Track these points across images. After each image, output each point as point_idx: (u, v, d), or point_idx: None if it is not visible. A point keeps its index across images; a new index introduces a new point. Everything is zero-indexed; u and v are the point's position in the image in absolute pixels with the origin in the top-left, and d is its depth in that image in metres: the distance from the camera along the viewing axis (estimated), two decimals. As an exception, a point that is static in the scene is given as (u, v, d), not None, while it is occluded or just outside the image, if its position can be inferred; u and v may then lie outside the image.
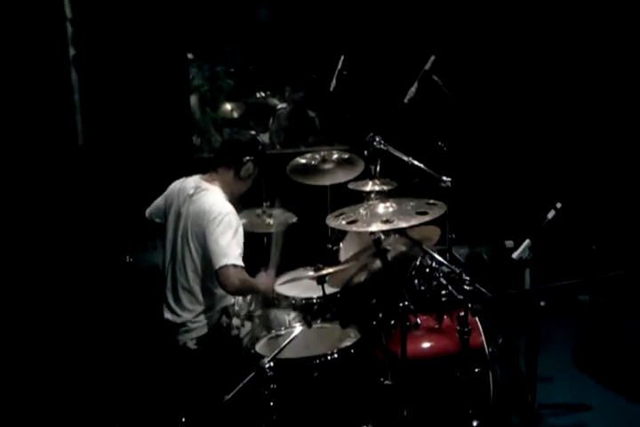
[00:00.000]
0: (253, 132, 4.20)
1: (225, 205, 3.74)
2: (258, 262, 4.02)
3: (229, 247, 3.63)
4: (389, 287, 3.76)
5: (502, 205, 5.43)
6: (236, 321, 3.89)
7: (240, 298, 3.99)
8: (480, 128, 5.44)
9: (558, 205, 3.65)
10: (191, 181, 3.90)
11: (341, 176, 4.65)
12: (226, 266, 3.61)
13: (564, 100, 5.74)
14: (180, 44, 5.46)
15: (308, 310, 3.93)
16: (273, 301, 4.05)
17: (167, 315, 3.84)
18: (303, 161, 4.72)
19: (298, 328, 3.52)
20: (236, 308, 3.95)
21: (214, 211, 3.69)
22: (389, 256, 3.46)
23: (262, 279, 3.89)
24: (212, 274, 3.68)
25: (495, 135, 5.56)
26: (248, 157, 3.84)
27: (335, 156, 4.70)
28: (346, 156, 4.68)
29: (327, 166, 4.69)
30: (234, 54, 6.34)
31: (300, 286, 3.93)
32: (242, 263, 3.66)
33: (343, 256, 4.33)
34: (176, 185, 3.96)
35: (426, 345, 3.71)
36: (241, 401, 3.23)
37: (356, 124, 4.78)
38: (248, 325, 3.89)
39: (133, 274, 4.83)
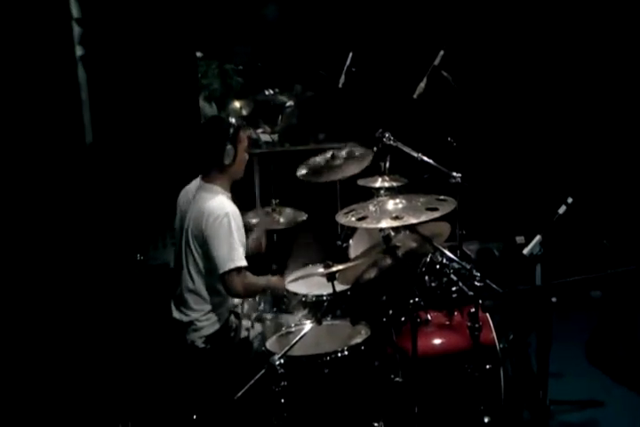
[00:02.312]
0: (214, 115, 4.04)
1: (223, 205, 3.70)
2: (267, 259, 4.03)
3: (231, 250, 3.62)
4: (399, 284, 3.75)
5: (513, 201, 5.41)
6: (245, 322, 3.88)
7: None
8: (490, 123, 5.43)
9: (569, 200, 3.62)
10: (193, 185, 3.91)
11: (352, 169, 4.55)
12: (229, 272, 3.62)
13: (575, 95, 5.71)
14: (189, 42, 5.46)
15: (318, 308, 3.93)
16: (282, 299, 4.04)
17: (175, 314, 3.86)
18: (316, 160, 4.62)
19: (308, 325, 3.51)
20: (246, 306, 3.95)
21: (213, 213, 3.66)
22: (399, 253, 3.45)
23: (273, 279, 3.89)
24: (216, 274, 3.68)
25: (505, 130, 5.55)
26: (224, 146, 3.74)
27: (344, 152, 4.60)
28: (356, 150, 4.58)
29: (338, 162, 4.63)
30: (242, 52, 6.34)
31: (310, 283, 3.92)
32: (244, 263, 3.65)
33: (353, 253, 4.32)
34: (181, 194, 3.97)
35: (436, 342, 3.70)
36: (252, 398, 3.23)
37: (366, 121, 4.76)
38: (258, 326, 3.89)
39: (144, 272, 4.84)
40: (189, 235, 3.75)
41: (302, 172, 4.51)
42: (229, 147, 3.74)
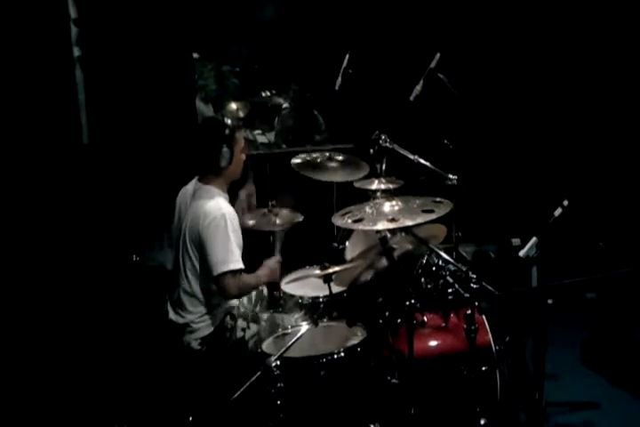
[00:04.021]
0: (210, 116, 4.02)
1: (219, 207, 3.69)
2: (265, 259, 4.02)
3: (226, 253, 3.62)
4: (396, 286, 3.75)
5: (509, 203, 5.41)
6: (241, 323, 3.88)
7: (245, 299, 4.00)
8: (486, 126, 5.43)
9: (565, 203, 3.63)
10: (190, 186, 3.91)
11: (346, 175, 4.58)
12: (223, 274, 3.62)
13: (570, 98, 5.72)
14: (186, 43, 5.46)
15: (314, 309, 3.93)
16: (278, 301, 4.04)
17: (171, 315, 3.86)
18: (309, 158, 4.64)
19: (304, 327, 3.51)
20: (241, 309, 3.94)
21: (208, 215, 3.66)
22: (396, 255, 3.45)
23: (264, 271, 3.88)
24: (211, 276, 3.68)
25: (501, 133, 5.55)
26: (220, 148, 3.72)
27: (341, 157, 4.62)
28: (352, 158, 4.60)
29: (333, 164, 4.63)
30: (239, 53, 6.34)
31: (307, 284, 3.92)
32: (240, 265, 3.65)
33: (349, 255, 4.32)
34: (179, 194, 3.97)
35: (433, 344, 3.71)
36: (248, 400, 3.23)
37: (362, 123, 4.77)
38: (254, 327, 3.88)
39: (140, 273, 4.84)
40: (186, 237, 3.75)
41: (297, 161, 4.52)
42: (225, 149, 3.73)
